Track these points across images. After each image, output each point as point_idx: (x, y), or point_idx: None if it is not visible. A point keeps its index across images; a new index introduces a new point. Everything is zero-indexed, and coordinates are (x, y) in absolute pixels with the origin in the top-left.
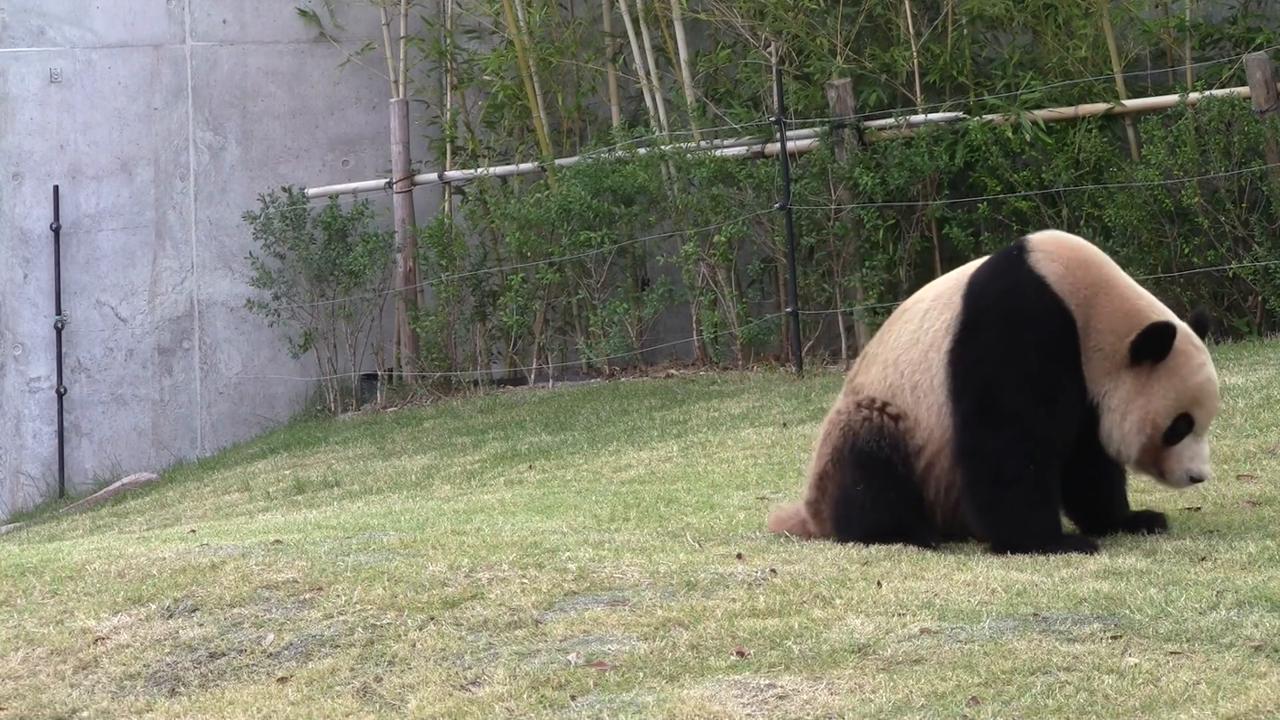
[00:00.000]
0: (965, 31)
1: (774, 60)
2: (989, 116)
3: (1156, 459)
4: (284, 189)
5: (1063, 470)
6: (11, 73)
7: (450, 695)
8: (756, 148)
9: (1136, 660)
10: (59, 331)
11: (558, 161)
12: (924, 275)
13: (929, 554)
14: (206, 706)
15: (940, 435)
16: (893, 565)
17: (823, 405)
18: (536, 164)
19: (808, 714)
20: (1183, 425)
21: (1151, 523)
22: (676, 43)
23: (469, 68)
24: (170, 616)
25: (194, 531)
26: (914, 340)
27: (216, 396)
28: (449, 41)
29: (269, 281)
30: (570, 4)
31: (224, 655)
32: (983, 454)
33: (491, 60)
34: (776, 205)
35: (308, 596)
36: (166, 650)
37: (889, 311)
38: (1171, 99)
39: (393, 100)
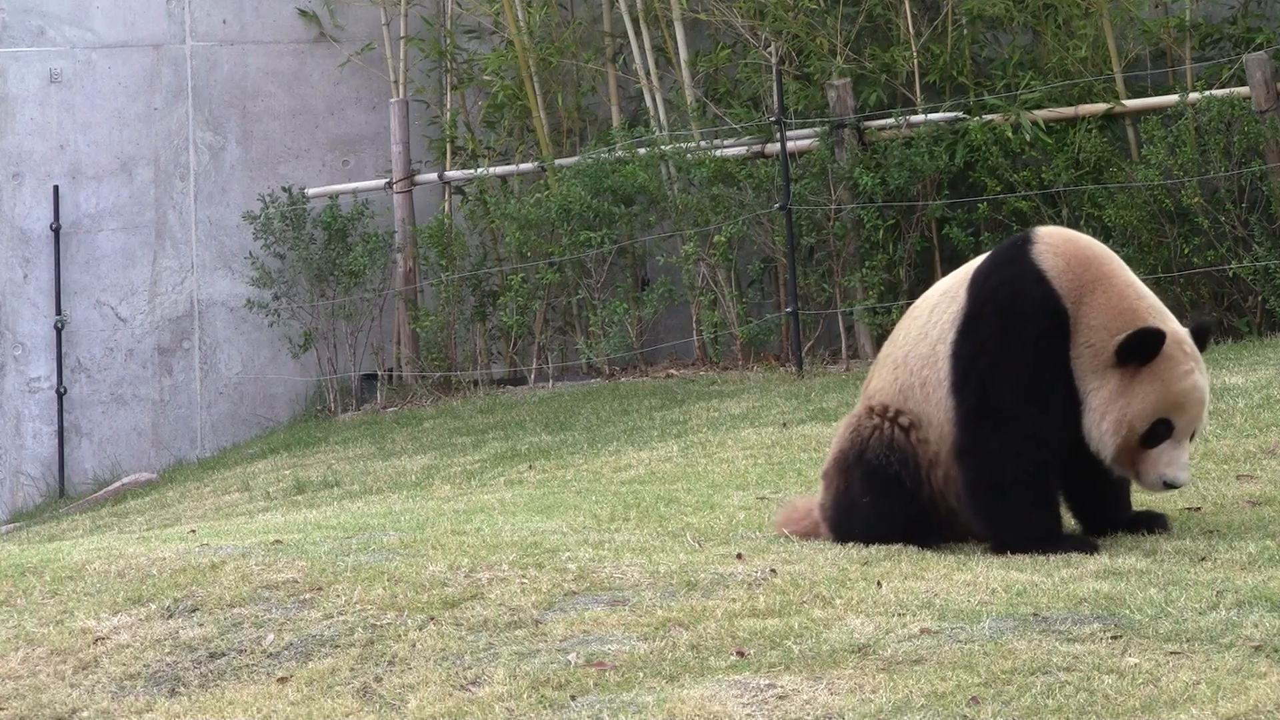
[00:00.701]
0: (965, 31)
1: (774, 60)
2: (989, 116)
3: (1134, 461)
4: (284, 189)
5: (1065, 470)
6: (11, 73)
7: (450, 695)
8: (756, 148)
9: (1136, 660)
10: (59, 331)
11: (558, 161)
12: (924, 275)
13: (929, 554)
14: (206, 706)
15: (949, 434)
16: (893, 565)
17: (822, 405)
18: (536, 164)
19: (808, 714)
20: (1161, 429)
21: (1152, 523)
22: (676, 43)
23: (469, 68)
24: (170, 616)
25: (194, 531)
26: (923, 335)
27: (216, 396)
28: (449, 41)
29: (269, 281)
30: (570, 4)
31: (224, 655)
32: (981, 454)
33: (491, 60)
34: (776, 205)
35: (308, 596)
36: (166, 650)
37: (889, 311)
38: (1171, 99)
39: (393, 100)
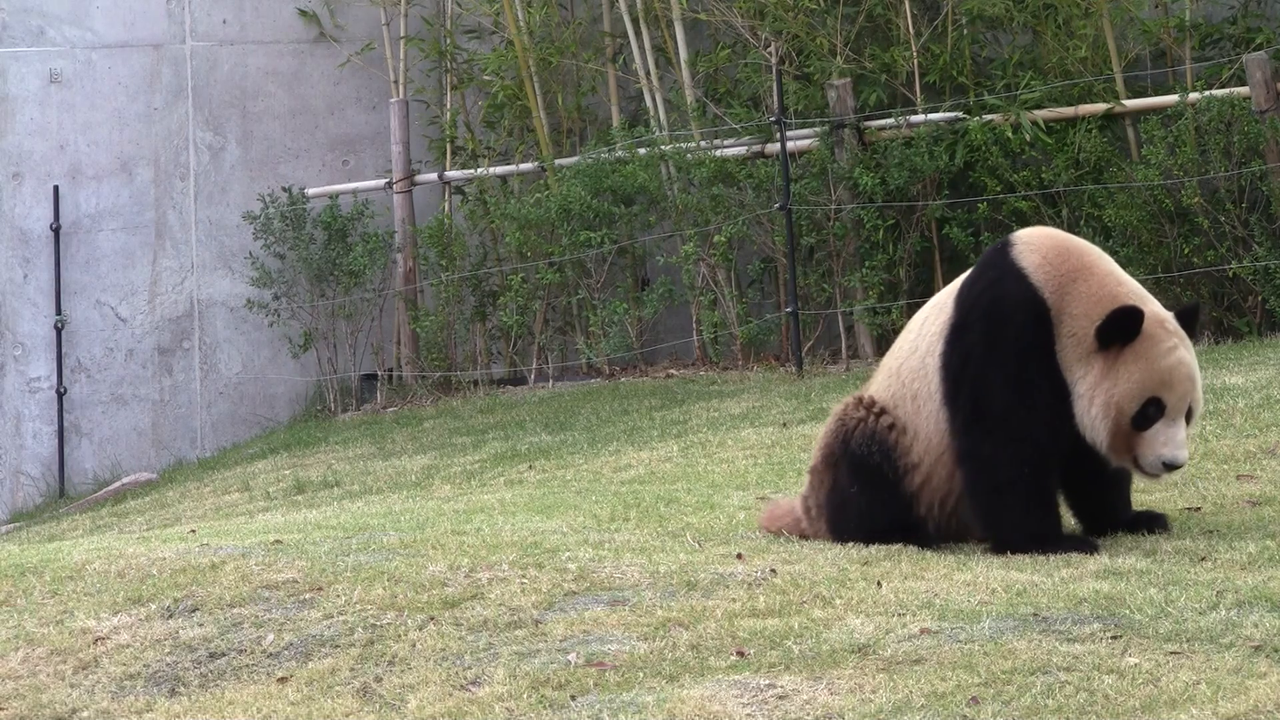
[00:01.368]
0: (965, 31)
1: (774, 60)
2: (989, 116)
3: (1130, 446)
4: (284, 189)
5: (1065, 470)
6: (11, 73)
7: (450, 695)
8: (756, 148)
9: (1136, 660)
10: (59, 331)
11: (558, 161)
12: (924, 275)
13: (929, 554)
14: (206, 706)
15: (939, 444)
16: (893, 565)
17: (823, 405)
18: (536, 164)
19: (808, 714)
20: (1152, 410)
21: (1152, 523)
22: (676, 43)
23: (469, 68)
24: (170, 616)
25: (194, 531)
26: (913, 348)
27: (216, 396)
28: (449, 41)
29: (269, 281)
30: (570, 4)
31: (224, 655)
32: (979, 458)
33: (491, 60)
34: (776, 205)
35: (308, 596)
36: (166, 650)
37: (889, 311)
38: (1171, 99)
39: (393, 100)
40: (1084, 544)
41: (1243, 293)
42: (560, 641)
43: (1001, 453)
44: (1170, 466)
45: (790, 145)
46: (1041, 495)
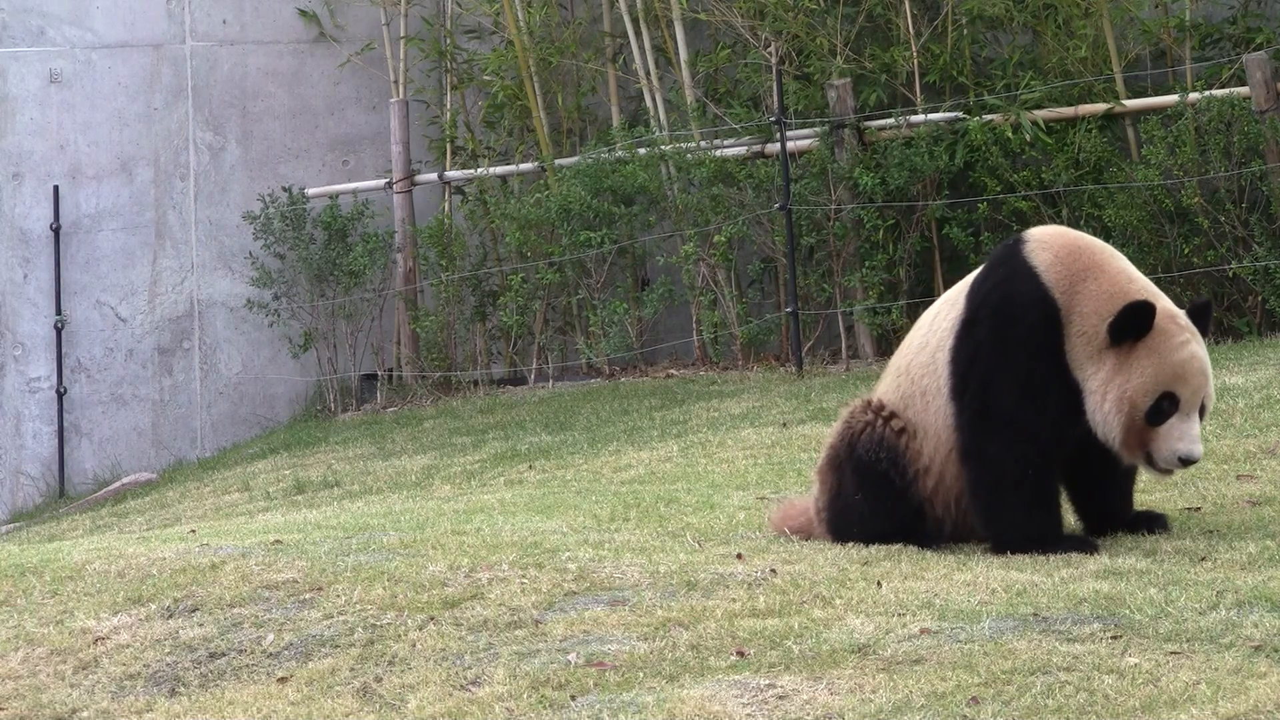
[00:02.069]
0: (965, 31)
1: (774, 60)
2: (989, 116)
3: (1143, 441)
4: (284, 189)
5: (1068, 469)
6: (11, 73)
7: (450, 695)
8: (756, 148)
9: (1136, 660)
10: (59, 331)
11: (558, 161)
12: (924, 275)
13: (929, 554)
14: (206, 706)
15: (948, 440)
16: (893, 565)
17: (822, 405)
18: (536, 164)
19: (808, 714)
20: (1166, 404)
21: (1153, 523)
22: (676, 43)
23: (469, 68)
24: (170, 616)
25: (194, 531)
26: (924, 344)
27: (216, 396)
28: (449, 41)
29: (269, 281)
30: (570, 4)
31: (224, 655)
32: (982, 458)
33: (491, 60)
34: (776, 205)
35: (308, 596)
36: (166, 650)
37: (889, 311)
38: (1171, 99)
39: (393, 100)
40: (1084, 544)
41: (1243, 293)
42: (560, 641)
43: (1006, 452)
44: (1186, 461)
45: (790, 145)
46: (1044, 496)
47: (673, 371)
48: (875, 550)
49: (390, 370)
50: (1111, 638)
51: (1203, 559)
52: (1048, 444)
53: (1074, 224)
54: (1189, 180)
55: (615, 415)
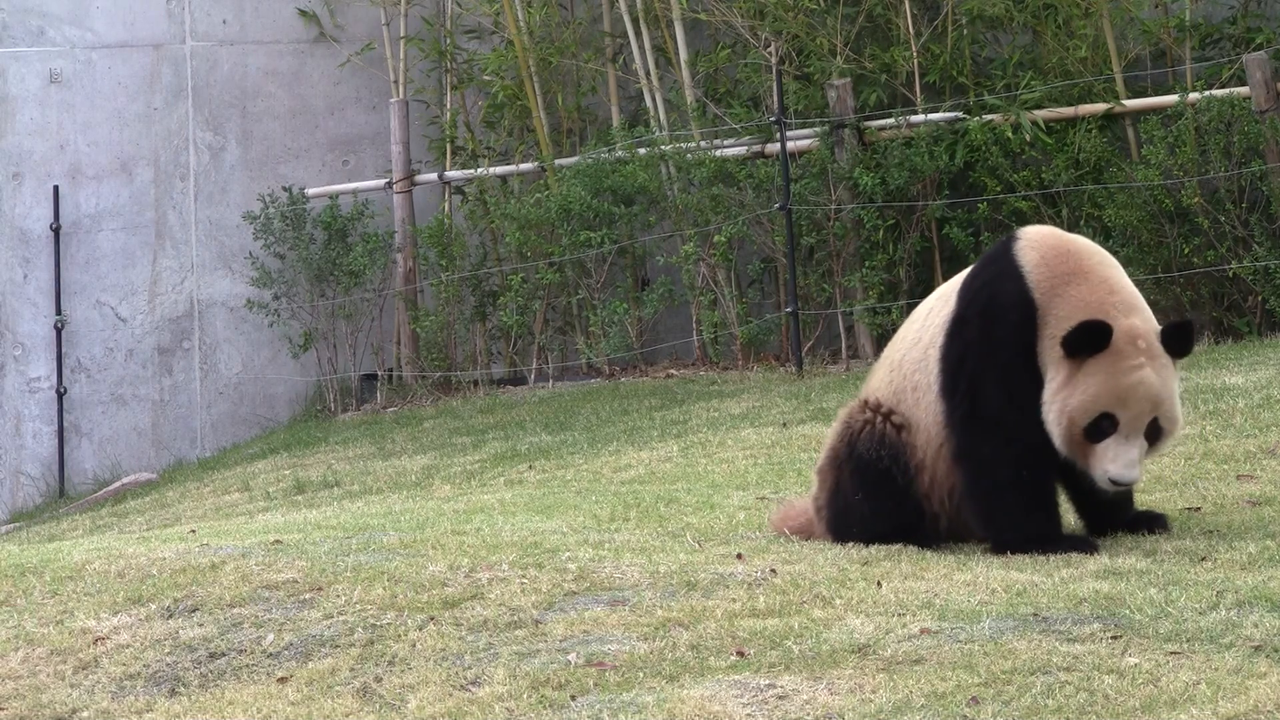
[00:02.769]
0: (965, 31)
1: (774, 60)
2: (989, 116)
3: (1084, 455)
4: (284, 189)
5: (1068, 470)
6: (11, 73)
7: (450, 695)
8: (756, 148)
9: (1136, 660)
10: (59, 331)
11: (558, 161)
12: (924, 275)
13: (929, 554)
14: (206, 706)
15: (938, 436)
16: (893, 565)
17: (822, 405)
18: (536, 164)
19: (808, 714)
20: (1106, 424)
21: (1153, 523)
22: (676, 43)
23: (469, 68)
24: (170, 616)
25: (194, 531)
26: (916, 339)
27: (216, 396)
28: (449, 41)
29: (269, 281)
30: (570, 4)
31: (224, 655)
32: (976, 457)
33: (491, 60)
34: (776, 205)
35: (308, 596)
36: (166, 650)
37: (889, 311)
38: (1171, 99)
39: (393, 100)
40: (1084, 544)
41: (1243, 293)
42: (560, 641)
43: (999, 453)
44: (1115, 483)
45: (790, 145)
46: (1040, 495)
47: (673, 371)
48: (875, 550)
49: (390, 370)
50: (1111, 638)
51: (1203, 559)
52: (1039, 444)
53: (1074, 224)
54: (1189, 180)
55: (615, 415)
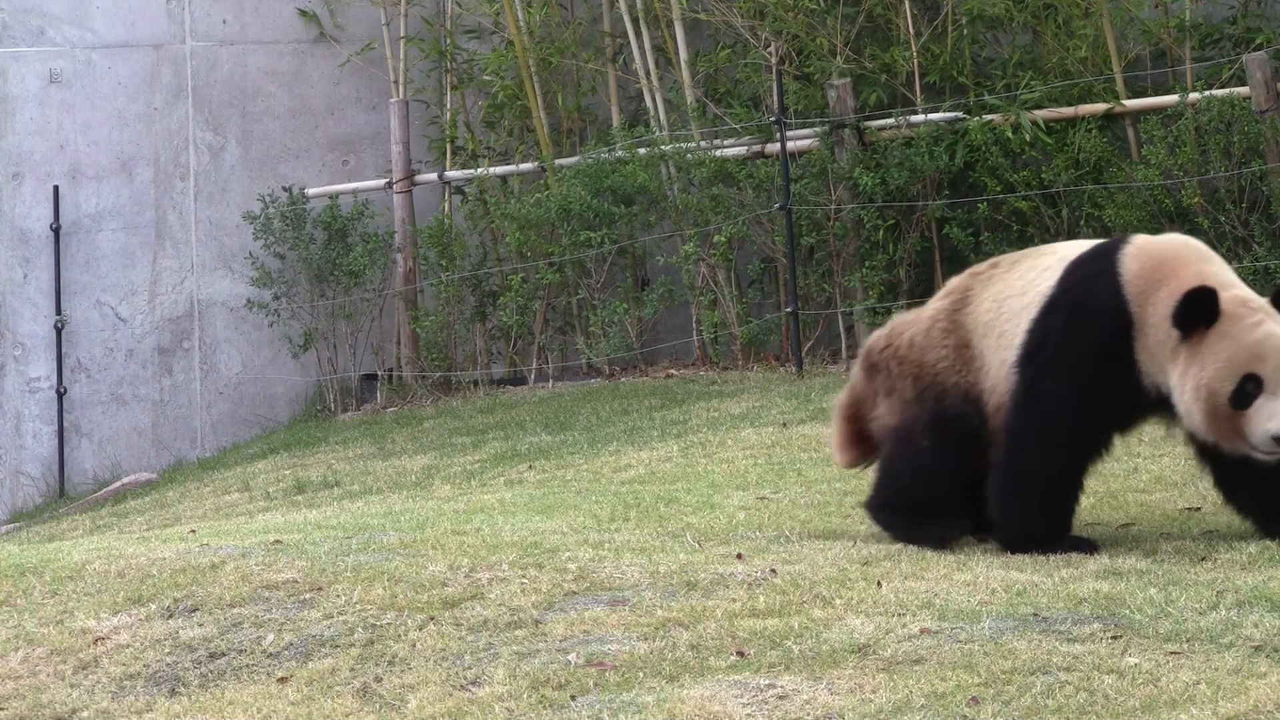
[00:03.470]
0: (965, 31)
1: (774, 60)
2: (989, 117)
3: (1235, 428)
4: (284, 189)
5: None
6: (11, 73)
7: (450, 695)
8: (756, 148)
9: (1136, 660)
10: (59, 331)
11: (558, 161)
12: (924, 275)
13: (929, 554)
14: (206, 706)
15: (1002, 395)
16: (893, 565)
17: (822, 405)
18: (536, 164)
19: (808, 714)
20: (1250, 386)
21: None
22: (676, 43)
23: (469, 68)
24: (170, 616)
25: (194, 531)
26: (1023, 290)
27: (216, 396)
28: (449, 41)
29: (269, 281)
30: (570, 4)
31: (224, 655)
32: (1018, 437)
33: (491, 60)
34: (776, 205)
35: (308, 596)
36: (166, 650)
37: (888, 311)
38: (1171, 99)
39: (393, 100)
40: (1085, 544)
41: None
42: (560, 641)
43: (1042, 443)
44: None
45: (790, 145)
46: (1062, 495)
47: (673, 371)
48: (875, 550)
49: (390, 370)
50: (1111, 638)
51: (1203, 559)
52: (1085, 448)
53: (1074, 224)
54: (1189, 180)
55: (615, 415)
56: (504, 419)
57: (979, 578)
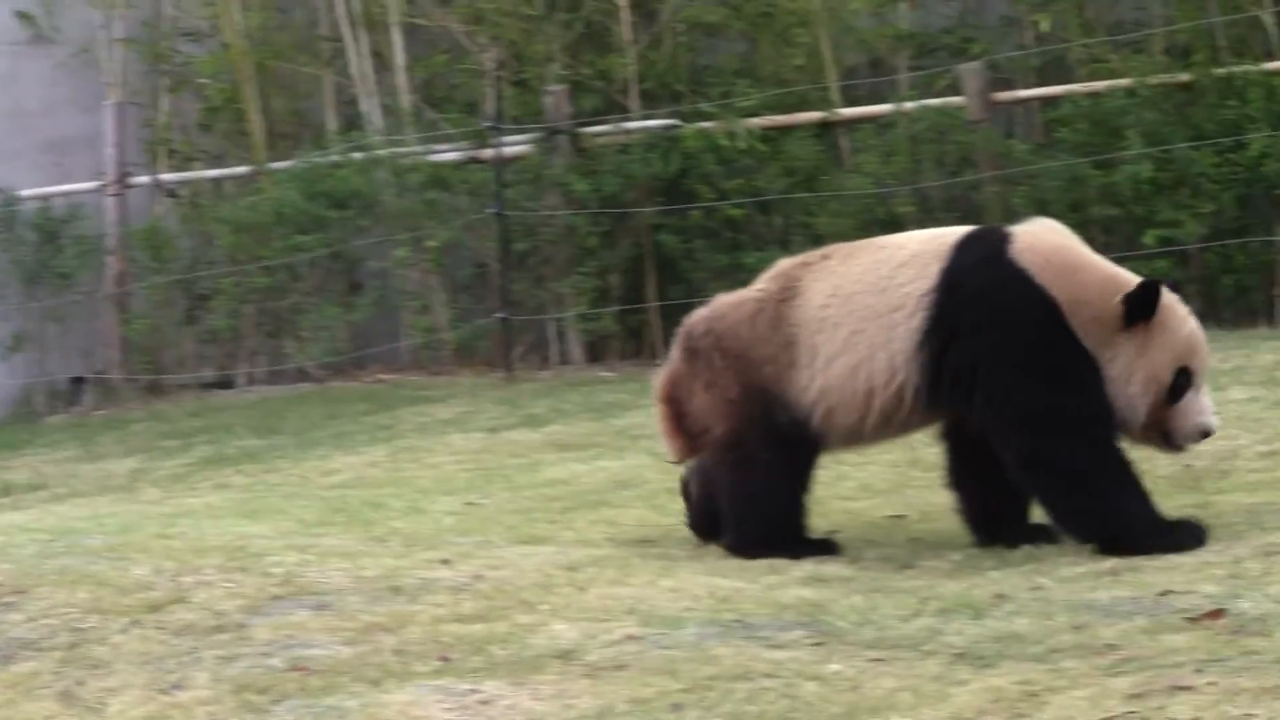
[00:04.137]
0: (683, 39)
1: (491, 66)
2: (704, 124)
3: (1159, 421)
4: None
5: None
6: None
7: (152, 699)
8: (472, 153)
9: (839, 667)
10: None
11: (272, 165)
12: (635, 282)
13: (634, 560)
14: None
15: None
16: (598, 571)
17: (532, 411)
18: (251, 168)
19: (511, 719)
20: (1183, 379)
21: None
22: (394, 47)
23: (186, 71)
24: None
25: None
26: (880, 288)
27: None
28: (165, 44)
29: None
30: (287, 7)
31: None
32: (1041, 438)
33: (207, 63)
34: (489, 210)
35: (10, 600)
36: None
37: (598, 318)
38: (886, 108)
39: (107, 102)
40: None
41: None
42: (264, 646)
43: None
44: (1207, 434)
45: (506, 151)
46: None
47: (383, 376)
48: (581, 555)
49: (99, 373)
50: (814, 644)
51: (906, 566)
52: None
53: (786, 233)
54: (901, 189)
55: (324, 420)
56: (212, 423)
57: (684, 584)
